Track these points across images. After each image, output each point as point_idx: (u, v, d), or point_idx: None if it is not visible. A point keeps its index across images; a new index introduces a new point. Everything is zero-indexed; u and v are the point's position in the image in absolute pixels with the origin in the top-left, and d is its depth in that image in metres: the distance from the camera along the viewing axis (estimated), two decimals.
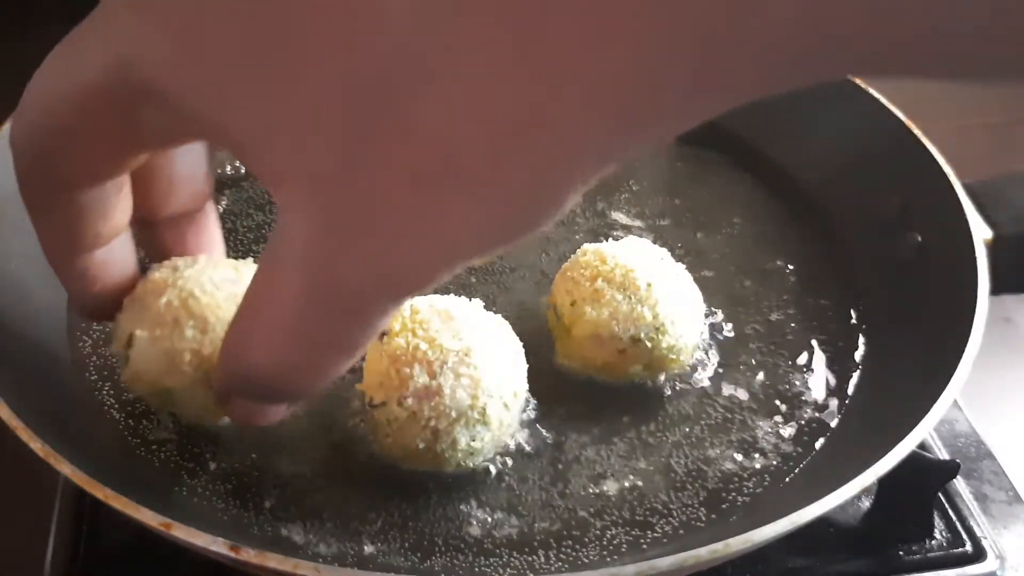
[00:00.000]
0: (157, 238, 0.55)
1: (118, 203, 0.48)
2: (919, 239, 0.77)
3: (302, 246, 0.35)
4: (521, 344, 0.65)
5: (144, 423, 0.65)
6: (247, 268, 0.59)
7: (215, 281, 0.57)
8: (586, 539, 0.62)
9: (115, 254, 0.51)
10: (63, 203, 0.46)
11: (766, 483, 0.66)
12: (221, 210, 0.85)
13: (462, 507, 0.63)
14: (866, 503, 0.71)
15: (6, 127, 0.77)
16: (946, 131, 0.83)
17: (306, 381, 0.40)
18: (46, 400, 0.65)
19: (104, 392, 0.69)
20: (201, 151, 0.52)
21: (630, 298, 0.67)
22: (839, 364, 0.74)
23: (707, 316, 0.74)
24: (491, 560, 0.61)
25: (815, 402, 0.71)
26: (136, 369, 0.58)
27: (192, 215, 0.55)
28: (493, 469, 0.65)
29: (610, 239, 0.73)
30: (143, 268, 0.56)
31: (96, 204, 0.46)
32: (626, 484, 0.65)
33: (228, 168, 0.89)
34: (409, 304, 0.64)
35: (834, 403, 0.71)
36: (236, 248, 0.81)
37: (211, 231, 0.57)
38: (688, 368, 0.72)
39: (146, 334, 0.56)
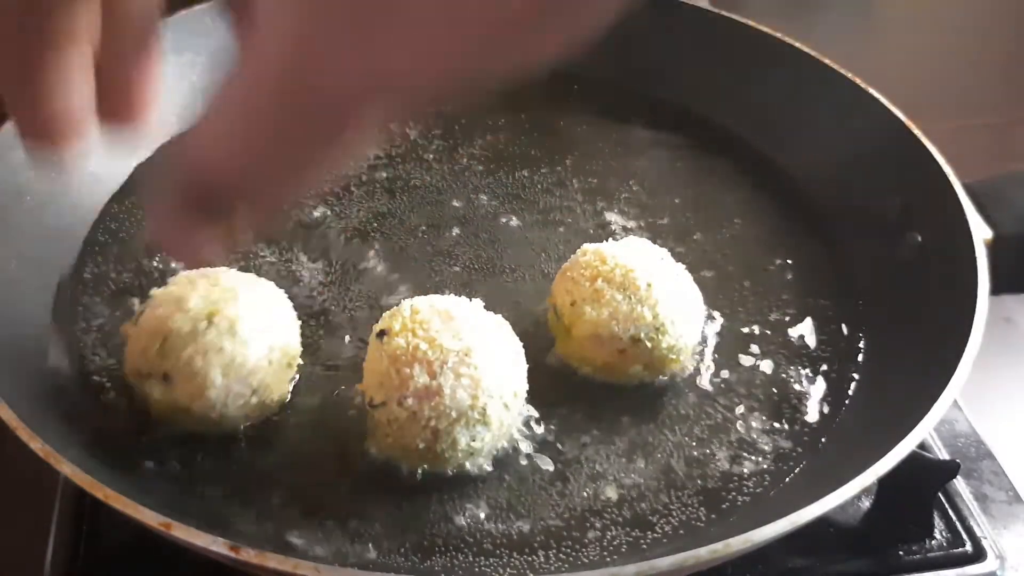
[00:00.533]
0: (100, 75, 0.49)
1: (84, 6, 0.44)
2: (919, 239, 0.77)
3: (281, 44, 0.33)
4: (521, 344, 0.65)
5: (144, 424, 0.65)
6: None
7: None
8: (586, 539, 0.62)
9: (73, 86, 0.45)
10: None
11: (766, 483, 0.66)
12: None
13: (462, 507, 0.63)
14: (866, 503, 0.71)
15: (6, 128, 0.77)
16: (946, 131, 0.83)
17: (263, 178, 0.38)
18: (46, 400, 0.65)
19: (104, 392, 0.69)
20: None
21: (630, 298, 0.67)
22: (839, 364, 0.74)
23: (707, 316, 0.74)
24: (491, 560, 0.61)
25: (815, 402, 0.71)
26: (145, 319, 0.64)
27: (140, 55, 0.49)
28: (493, 469, 0.65)
29: (610, 239, 0.73)
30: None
31: (59, 3, 0.43)
32: (626, 484, 0.65)
33: None
34: (409, 304, 0.64)
35: (834, 403, 0.71)
36: (236, 247, 0.81)
37: (154, 78, 0.50)
38: (688, 368, 0.72)
39: (161, 291, 0.65)
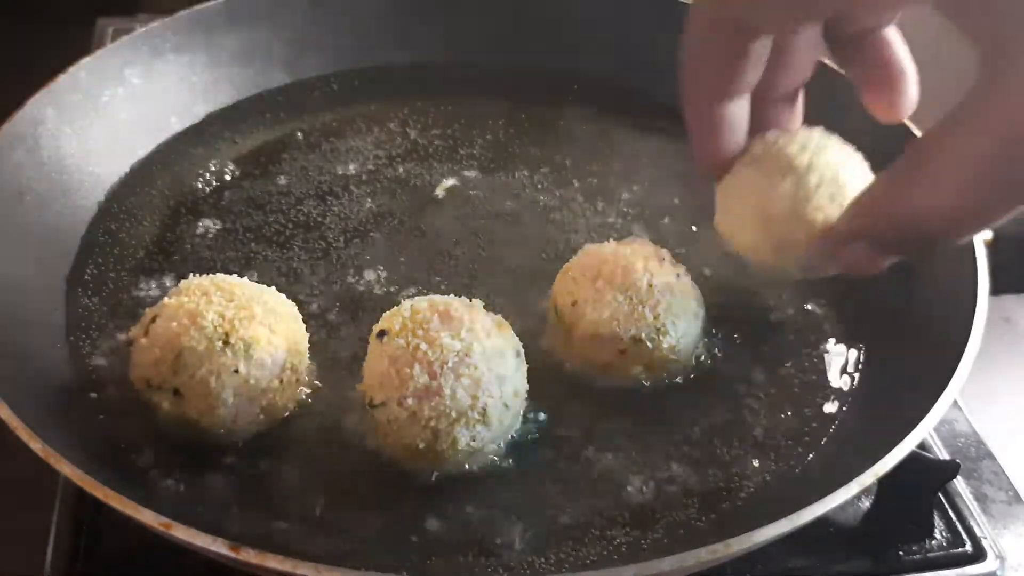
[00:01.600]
0: (763, 113, 0.60)
1: (758, 67, 0.53)
2: None
3: (1010, 107, 0.39)
4: (521, 344, 0.65)
5: (144, 424, 0.65)
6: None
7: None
8: (586, 539, 0.62)
9: (739, 115, 0.56)
10: (737, 48, 0.52)
11: (766, 483, 0.66)
12: (220, 209, 0.85)
13: (462, 507, 0.63)
14: (866, 503, 0.71)
15: (7, 127, 0.77)
16: None
17: (966, 225, 0.44)
18: (46, 400, 0.65)
19: (103, 393, 0.69)
20: (816, 33, 0.56)
21: (631, 298, 0.67)
22: (839, 364, 0.74)
23: (707, 316, 0.74)
24: (491, 560, 0.61)
25: (815, 402, 0.71)
26: (158, 330, 0.63)
27: (791, 95, 0.61)
28: (493, 469, 0.65)
29: (610, 239, 0.73)
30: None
31: (757, 55, 0.52)
32: (626, 484, 0.65)
33: (229, 166, 0.89)
34: (409, 304, 0.64)
35: (834, 403, 0.71)
36: (236, 248, 0.81)
37: (799, 110, 0.63)
38: (688, 368, 0.72)
39: (173, 300, 0.64)
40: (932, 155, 0.44)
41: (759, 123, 0.59)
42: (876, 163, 0.83)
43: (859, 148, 0.85)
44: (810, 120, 0.89)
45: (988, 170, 0.41)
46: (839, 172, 0.70)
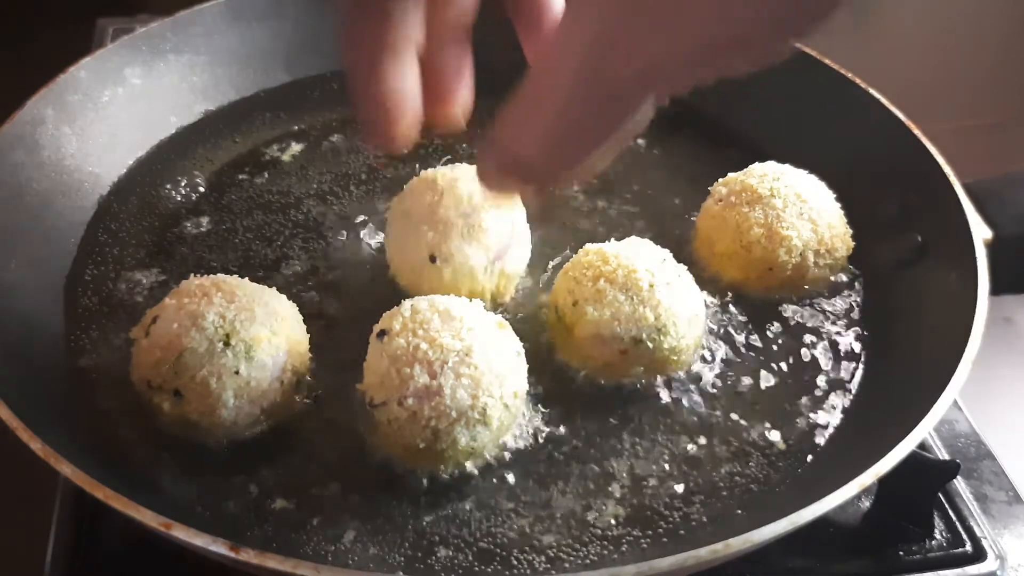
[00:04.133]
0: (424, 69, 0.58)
1: (416, 16, 0.53)
2: (919, 239, 0.77)
3: (583, 40, 0.40)
4: (521, 344, 0.65)
5: (144, 424, 0.65)
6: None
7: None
8: (586, 539, 0.62)
9: (407, 81, 0.54)
10: (374, 9, 0.52)
11: (766, 483, 0.66)
12: (221, 209, 0.85)
13: (462, 507, 0.63)
14: (866, 503, 0.71)
15: (6, 128, 0.77)
16: (946, 131, 0.83)
17: (561, 161, 0.45)
18: (46, 400, 0.65)
19: (104, 393, 0.69)
20: None
21: (632, 298, 0.67)
22: (840, 365, 0.74)
23: (707, 317, 0.74)
24: (491, 560, 0.61)
25: (816, 402, 0.71)
26: (159, 331, 0.63)
27: (457, 48, 0.59)
28: (493, 469, 0.65)
29: (612, 239, 0.73)
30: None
31: (399, 12, 0.52)
32: (626, 484, 0.65)
33: (229, 166, 0.89)
34: (409, 304, 0.64)
35: (835, 403, 0.71)
36: (236, 247, 0.81)
37: (468, 67, 0.61)
38: (689, 369, 0.72)
39: (174, 301, 0.64)
40: (525, 92, 0.45)
41: (432, 79, 0.57)
42: (876, 162, 0.84)
43: (859, 148, 0.86)
44: (808, 119, 0.90)
45: (566, 104, 0.42)
46: (801, 191, 0.77)
